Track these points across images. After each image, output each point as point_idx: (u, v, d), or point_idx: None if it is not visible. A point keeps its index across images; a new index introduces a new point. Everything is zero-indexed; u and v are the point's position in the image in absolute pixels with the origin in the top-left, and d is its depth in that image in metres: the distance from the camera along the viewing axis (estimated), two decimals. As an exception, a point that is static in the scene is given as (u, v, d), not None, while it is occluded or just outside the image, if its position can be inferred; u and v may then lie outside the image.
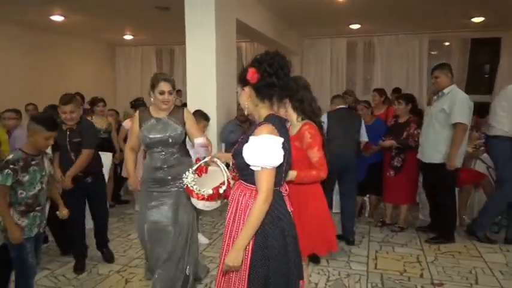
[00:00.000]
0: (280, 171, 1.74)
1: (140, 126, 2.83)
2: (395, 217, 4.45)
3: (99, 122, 5.02)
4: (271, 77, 1.68)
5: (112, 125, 5.43)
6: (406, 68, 9.61)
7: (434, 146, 3.87)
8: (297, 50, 9.76)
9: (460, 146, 3.76)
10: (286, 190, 1.85)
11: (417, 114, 4.92)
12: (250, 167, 1.66)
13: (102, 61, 11.13)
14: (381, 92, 5.81)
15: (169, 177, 2.77)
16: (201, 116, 4.11)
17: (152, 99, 2.82)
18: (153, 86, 2.78)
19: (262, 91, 1.72)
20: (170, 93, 2.79)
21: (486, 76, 9.65)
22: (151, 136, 2.76)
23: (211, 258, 3.57)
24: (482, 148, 4.78)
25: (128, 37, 9.96)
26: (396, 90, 7.05)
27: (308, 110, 2.40)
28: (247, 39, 9.50)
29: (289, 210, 1.82)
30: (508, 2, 6.55)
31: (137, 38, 10.09)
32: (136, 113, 2.95)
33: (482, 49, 9.56)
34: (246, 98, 1.76)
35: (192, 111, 4.02)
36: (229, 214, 1.81)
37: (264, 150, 1.62)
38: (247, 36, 7.98)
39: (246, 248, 1.68)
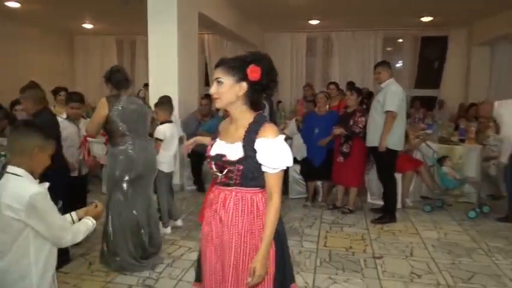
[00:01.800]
0: None
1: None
2: (346, 201, 4.81)
3: (60, 111, 5.03)
4: (273, 81, 1.67)
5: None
6: (362, 62, 10.09)
7: (373, 131, 4.31)
8: (257, 44, 9.99)
9: (389, 131, 4.19)
10: None
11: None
12: (264, 169, 1.60)
13: (60, 50, 10.88)
14: (337, 85, 6.17)
15: None
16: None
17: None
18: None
19: (257, 92, 1.66)
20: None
21: (435, 71, 10.29)
22: None
23: (173, 241, 3.76)
24: (419, 139, 5.22)
25: (88, 26, 9.80)
26: (350, 83, 7.45)
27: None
28: (210, 32, 9.61)
29: None
30: (454, 4, 7.09)
31: (97, 27, 9.95)
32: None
33: (431, 46, 10.19)
34: (238, 94, 1.63)
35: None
36: (230, 224, 1.65)
37: (283, 152, 1.59)
38: (209, 29, 8.12)
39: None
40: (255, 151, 1.59)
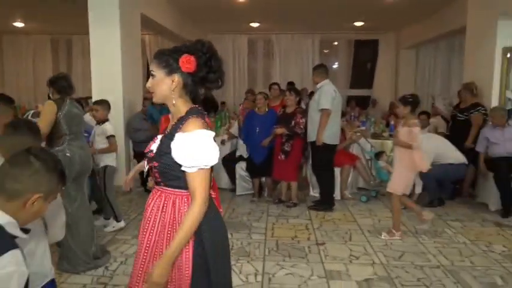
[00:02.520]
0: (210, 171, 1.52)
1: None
2: (289, 195, 5.09)
3: None
4: (211, 72, 1.52)
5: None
6: (301, 64, 10.55)
7: (311, 128, 4.73)
8: (200, 45, 10.08)
9: (324, 127, 4.59)
10: (214, 191, 1.66)
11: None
12: (182, 169, 1.43)
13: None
14: (279, 85, 6.46)
15: None
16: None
17: None
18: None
19: (194, 85, 1.53)
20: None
21: (367, 72, 11.02)
22: None
23: (125, 240, 3.79)
24: (359, 134, 5.67)
25: (19, 24, 9.29)
26: (290, 84, 7.78)
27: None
28: (151, 33, 9.53)
29: (220, 211, 1.67)
30: (383, 11, 7.69)
31: (29, 25, 9.46)
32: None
33: (363, 49, 10.91)
34: (171, 87, 1.50)
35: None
36: (150, 227, 1.53)
37: (200, 148, 1.42)
38: (151, 29, 8.07)
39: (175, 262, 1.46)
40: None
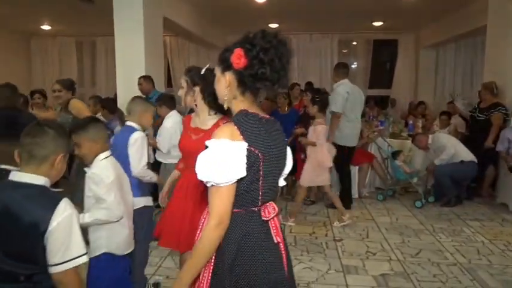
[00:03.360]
0: (252, 188, 1.29)
1: None
2: (308, 193, 5.17)
3: (38, 114, 5.07)
4: (263, 66, 1.27)
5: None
6: (319, 64, 10.59)
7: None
8: (219, 46, 10.24)
9: (334, 129, 4.59)
10: (270, 212, 1.36)
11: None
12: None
13: (16, 52, 10.58)
14: (300, 86, 6.59)
15: None
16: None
17: None
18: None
19: (247, 82, 1.30)
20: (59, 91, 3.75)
21: (387, 72, 10.98)
22: None
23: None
24: (376, 133, 5.71)
25: (46, 27, 9.64)
26: (308, 84, 7.84)
27: (221, 105, 2.12)
28: (171, 34, 9.75)
29: (276, 242, 1.36)
30: (402, 10, 7.68)
31: (55, 28, 9.80)
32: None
33: (383, 49, 10.87)
34: (225, 86, 1.34)
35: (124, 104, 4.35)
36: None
37: (214, 161, 1.22)
38: (172, 31, 8.27)
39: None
40: None
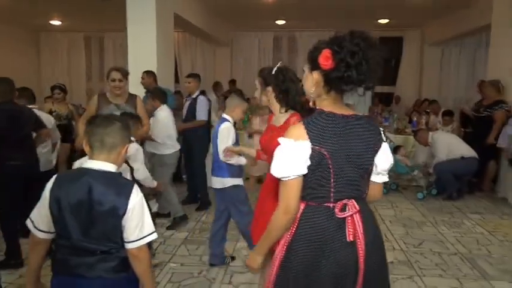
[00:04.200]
0: (323, 183, 1.37)
1: (97, 109, 3.33)
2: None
3: (59, 109, 5.25)
4: (349, 69, 1.31)
5: (73, 112, 5.52)
6: (324, 60, 10.70)
7: None
8: (226, 42, 10.38)
9: None
10: (349, 209, 1.38)
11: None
12: None
13: (26, 47, 10.74)
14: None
15: None
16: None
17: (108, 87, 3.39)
18: (107, 76, 3.42)
19: (333, 83, 1.36)
20: (120, 80, 3.39)
21: (391, 69, 11.07)
22: None
23: (162, 224, 4.11)
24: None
25: (55, 22, 9.79)
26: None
27: (292, 102, 2.18)
28: (179, 30, 9.89)
29: (349, 240, 1.37)
30: (407, 8, 7.79)
31: (64, 23, 9.95)
32: (95, 96, 3.46)
33: (388, 46, 10.94)
34: (312, 84, 1.41)
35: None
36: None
37: (279, 158, 1.36)
38: (180, 27, 8.41)
39: (265, 257, 1.49)
40: None
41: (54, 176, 1.56)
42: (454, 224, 4.31)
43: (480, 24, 6.99)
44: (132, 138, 2.96)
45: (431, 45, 10.00)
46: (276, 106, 2.22)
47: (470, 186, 5.46)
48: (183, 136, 5.06)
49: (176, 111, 6.06)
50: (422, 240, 3.83)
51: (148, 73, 5.18)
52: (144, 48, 5.61)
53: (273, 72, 2.18)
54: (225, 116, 3.08)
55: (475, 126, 5.83)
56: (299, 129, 1.36)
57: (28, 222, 1.55)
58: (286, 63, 9.03)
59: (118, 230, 1.49)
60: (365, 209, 1.45)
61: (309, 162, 1.33)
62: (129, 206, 1.48)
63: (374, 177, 1.51)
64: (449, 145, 5.16)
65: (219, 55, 10.93)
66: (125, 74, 3.45)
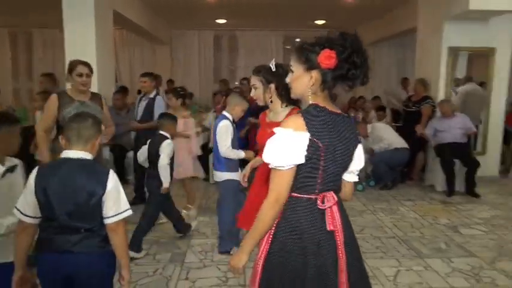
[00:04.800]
0: (312, 175, 1.41)
1: (59, 108, 3.03)
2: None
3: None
4: (355, 68, 1.40)
5: None
6: (264, 59, 10.92)
7: None
8: (166, 40, 10.23)
9: None
10: (328, 201, 1.45)
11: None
12: None
13: None
14: (249, 80, 6.84)
15: None
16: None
17: (71, 82, 3.15)
18: (70, 70, 3.14)
19: (331, 82, 1.42)
20: (88, 75, 3.19)
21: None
22: None
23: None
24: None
25: (-24, 18, 9.02)
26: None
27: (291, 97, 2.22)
28: (118, 27, 9.58)
29: (329, 229, 1.44)
30: (342, 9, 8.21)
31: (-13, 18, 9.20)
32: (54, 96, 3.20)
33: (324, 46, 11.46)
34: (310, 84, 1.43)
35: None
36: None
37: (276, 147, 1.37)
38: (119, 25, 8.15)
39: (251, 253, 1.48)
40: None
41: (37, 168, 1.72)
42: (391, 210, 4.68)
43: (407, 27, 7.57)
44: (167, 134, 3.58)
45: (365, 46, 10.61)
46: (277, 102, 2.29)
47: (402, 176, 5.94)
48: (136, 136, 4.96)
49: (118, 110, 5.95)
50: (363, 226, 4.13)
51: (151, 76, 4.96)
52: (82, 46, 5.38)
53: (274, 69, 2.25)
54: (225, 113, 3.26)
55: (405, 121, 6.33)
56: (298, 120, 1.39)
57: (15, 211, 1.72)
58: (227, 63, 9.25)
59: (99, 209, 1.71)
60: (340, 201, 1.53)
61: (305, 153, 1.37)
62: (108, 189, 1.71)
63: (345, 176, 1.57)
64: (386, 134, 5.59)
65: (158, 54, 10.72)
66: (91, 68, 3.27)
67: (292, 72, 1.48)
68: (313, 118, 1.40)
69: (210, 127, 5.95)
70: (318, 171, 1.42)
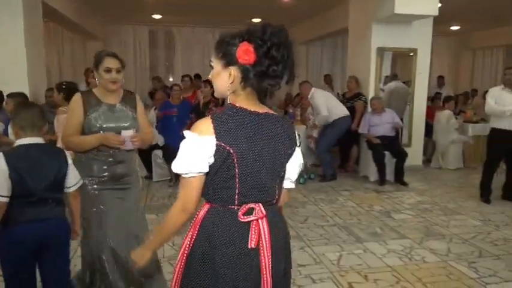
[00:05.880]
0: (228, 185, 1.27)
1: (85, 112, 2.34)
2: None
3: None
4: (275, 63, 1.24)
5: None
6: (202, 56, 10.92)
7: None
8: (99, 35, 9.81)
9: None
10: (254, 213, 1.29)
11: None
12: None
13: None
14: (191, 77, 6.83)
15: (126, 171, 2.47)
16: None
17: (97, 80, 2.40)
18: (97, 64, 2.36)
19: (254, 79, 1.26)
20: (118, 71, 2.37)
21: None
22: (106, 126, 2.35)
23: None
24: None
25: None
26: (197, 76, 8.13)
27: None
28: (46, 20, 8.99)
29: (250, 247, 1.29)
30: (278, 8, 8.46)
31: None
32: (78, 96, 2.40)
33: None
34: (229, 82, 1.27)
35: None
36: None
37: (180, 153, 1.26)
38: (46, 17, 7.66)
39: (155, 251, 1.43)
40: None
41: (1, 154, 1.94)
42: (330, 200, 4.98)
43: (339, 27, 8.01)
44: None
45: (298, 45, 11.03)
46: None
47: (340, 166, 6.32)
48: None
49: (50, 108, 5.62)
50: (307, 216, 4.35)
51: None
52: (10, 39, 5.03)
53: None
54: None
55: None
56: (206, 124, 1.25)
57: None
58: (163, 59, 9.16)
59: (63, 182, 2.09)
60: (274, 214, 1.37)
61: (212, 160, 1.24)
62: (69, 163, 2.10)
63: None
64: (328, 102, 5.78)
65: (90, 48, 10.23)
66: (123, 62, 2.43)
67: (212, 68, 1.33)
68: (223, 121, 1.25)
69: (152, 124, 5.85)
70: (234, 179, 1.26)
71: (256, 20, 9.78)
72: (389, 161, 5.82)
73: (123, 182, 2.46)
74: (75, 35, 9.59)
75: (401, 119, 6.46)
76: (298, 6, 8.14)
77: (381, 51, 6.40)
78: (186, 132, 1.27)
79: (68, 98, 3.96)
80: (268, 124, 1.32)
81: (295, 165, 1.41)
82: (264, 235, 1.29)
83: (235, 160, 1.24)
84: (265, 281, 1.30)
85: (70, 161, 2.09)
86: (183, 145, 1.27)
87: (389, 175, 5.82)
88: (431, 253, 3.48)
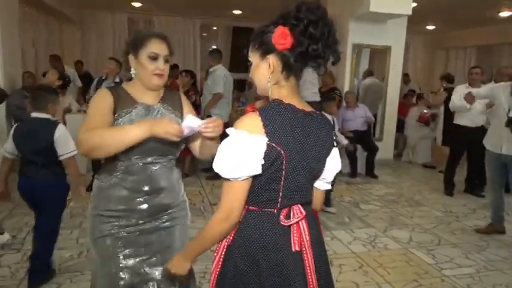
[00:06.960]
0: (271, 187, 1.18)
1: (115, 111, 1.63)
2: (182, 167, 5.60)
3: None
4: (315, 42, 1.13)
5: None
6: (182, 46, 10.89)
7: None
8: (76, 19, 9.66)
9: (210, 107, 5.30)
10: (294, 216, 1.22)
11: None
12: None
13: None
14: (171, 67, 6.85)
15: (166, 202, 1.74)
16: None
17: (133, 70, 1.69)
18: (136, 48, 1.65)
19: (295, 63, 1.16)
20: (167, 61, 1.70)
21: (245, 57, 11.91)
22: None
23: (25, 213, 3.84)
24: (238, 112, 6.46)
25: None
26: (175, 66, 8.12)
27: None
28: (21, 3, 8.78)
29: (294, 250, 1.22)
30: (259, 2, 8.52)
31: None
32: (106, 92, 1.67)
33: (242, 35, 11.74)
34: (268, 72, 1.18)
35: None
36: None
37: (227, 154, 1.13)
38: (27, 2, 7.52)
39: (194, 260, 1.31)
40: None
41: (15, 125, 2.66)
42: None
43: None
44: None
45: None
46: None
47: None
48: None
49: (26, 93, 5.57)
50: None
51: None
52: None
53: None
54: None
55: (316, 110, 6.86)
56: (254, 120, 1.13)
57: (3, 151, 2.65)
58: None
59: (50, 149, 2.52)
60: (310, 214, 1.29)
61: (263, 161, 1.13)
62: (55, 136, 2.53)
63: (316, 183, 1.35)
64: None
65: (67, 33, 10.06)
66: (171, 47, 1.75)
67: (251, 64, 1.23)
68: (274, 118, 1.14)
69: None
70: (280, 182, 1.18)
71: (236, 12, 9.83)
72: (361, 154, 6.03)
73: (161, 218, 1.74)
74: (50, 18, 9.40)
75: (375, 115, 6.69)
76: (278, 2, 8.21)
77: (356, 47, 6.58)
78: (230, 130, 1.14)
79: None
80: (314, 124, 1.24)
81: (332, 166, 1.33)
82: (305, 236, 1.24)
83: (283, 162, 1.15)
84: (310, 283, 1.23)
85: (58, 134, 2.52)
86: (228, 144, 1.13)
87: (361, 168, 6.03)
88: (394, 241, 3.68)
